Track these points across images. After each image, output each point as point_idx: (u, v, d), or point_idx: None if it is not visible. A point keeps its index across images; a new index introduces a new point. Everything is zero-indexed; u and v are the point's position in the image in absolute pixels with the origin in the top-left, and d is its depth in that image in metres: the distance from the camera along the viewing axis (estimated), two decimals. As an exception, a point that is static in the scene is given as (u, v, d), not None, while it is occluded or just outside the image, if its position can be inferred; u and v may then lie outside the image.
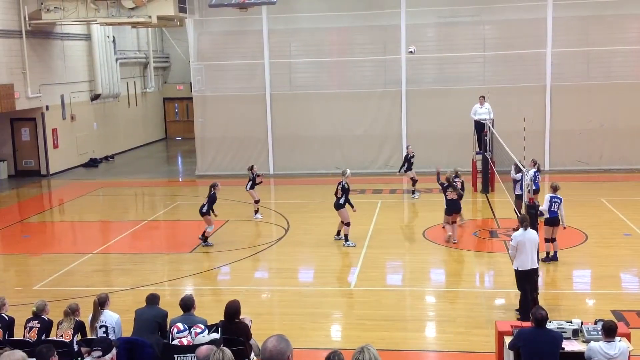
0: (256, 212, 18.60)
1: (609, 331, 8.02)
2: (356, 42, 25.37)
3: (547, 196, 13.69)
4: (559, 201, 13.57)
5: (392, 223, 17.92)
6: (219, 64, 25.43)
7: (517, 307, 11.22)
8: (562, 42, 23.70)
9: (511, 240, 11.02)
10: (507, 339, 8.60)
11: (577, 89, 23.67)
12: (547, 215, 13.64)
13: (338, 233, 16.06)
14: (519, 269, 10.94)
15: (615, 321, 8.66)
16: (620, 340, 8.06)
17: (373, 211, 18.82)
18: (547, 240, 13.71)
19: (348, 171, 16.17)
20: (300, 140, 25.17)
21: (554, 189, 13.79)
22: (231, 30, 25.33)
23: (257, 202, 18.61)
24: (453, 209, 15.60)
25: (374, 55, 25.03)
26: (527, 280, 10.98)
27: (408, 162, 20.34)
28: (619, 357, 7.81)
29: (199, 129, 25.99)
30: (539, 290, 11.37)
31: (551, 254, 13.86)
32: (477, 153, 21.40)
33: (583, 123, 23.55)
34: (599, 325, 8.36)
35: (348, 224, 15.79)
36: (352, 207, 15.72)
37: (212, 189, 15.98)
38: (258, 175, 18.47)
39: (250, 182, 18.35)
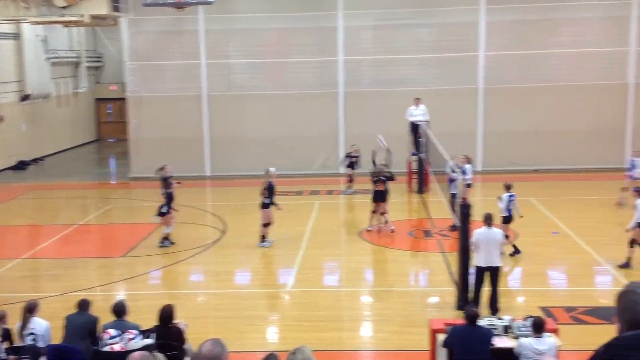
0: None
1: (538, 327, 8.26)
2: (294, 44, 25.37)
3: (507, 195, 14.10)
4: (513, 199, 14.16)
5: (329, 224, 17.98)
6: (155, 64, 25.02)
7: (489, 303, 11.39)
8: (495, 45, 24.26)
9: (472, 236, 11.21)
10: (441, 337, 8.75)
11: (509, 91, 24.27)
12: (507, 214, 14.11)
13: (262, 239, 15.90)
14: (478, 265, 11.15)
15: (544, 317, 8.92)
16: (549, 336, 8.31)
17: (310, 212, 18.86)
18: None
19: (272, 170, 15.95)
20: (238, 141, 24.99)
21: (508, 187, 14.25)
22: (167, 29, 24.96)
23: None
24: (379, 198, 16.20)
25: (312, 56, 25.09)
26: (481, 277, 11.17)
27: (349, 158, 20.67)
28: (547, 352, 8.04)
29: (133, 130, 25.51)
30: (469, 288, 11.58)
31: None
32: (412, 154, 21.70)
33: (515, 125, 24.16)
34: (529, 322, 8.60)
35: (266, 225, 15.67)
36: (276, 206, 15.62)
37: (169, 187, 15.79)
38: (168, 178, 16.07)
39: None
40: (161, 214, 15.73)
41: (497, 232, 11.18)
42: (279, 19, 24.81)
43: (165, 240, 15.91)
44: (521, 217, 14.59)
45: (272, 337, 11.28)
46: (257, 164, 24.54)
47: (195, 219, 18.54)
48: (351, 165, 20.86)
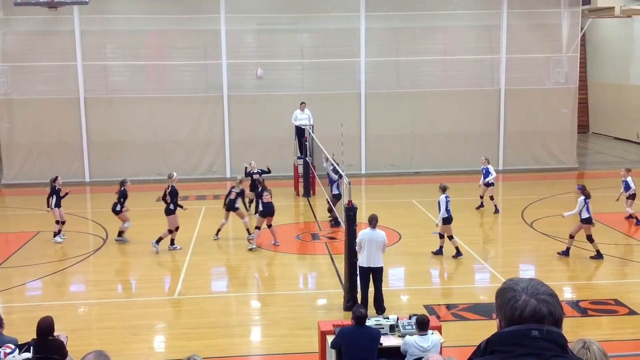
0: (57, 233, 16.46)
1: (422, 325, 8.54)
2: (175, 46, 24.91)
3: (444, 197, 14.42)
4: (449, 200, 14.54)
5: (216, 229, 17.76)
6: (27, 66, 23.78)
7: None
8: (375, 51, 24.92)
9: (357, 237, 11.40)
10: (330, 338, 8.86)
11: (389, 96, 24.99)
12: (447, 215, 14.43)
13: (172, 242, 15.72)
14: (359, 265, 11.34)
15: (428, 315, 9.24)
16: (432, 333, 8.61)
17: (197, 217, 18.56)
18: (451, 237, 14.58)
19: (175, 174, 16.10)
20: (119, 146, 24.22)
21: (444, 189, 14.60)
22: (40, 30, 23.78)
23: (63, 223, 16.56)
24: (267, 212, 15.66)
25: (195, 59, 24.74)
26: (365, 277, 11.38)
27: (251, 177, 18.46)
28: (431, 349, 8.32)
29: (4, 134, 24.14)
30: (356, 289, 11.82)
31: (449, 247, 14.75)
32: (298, 158, 21.88)
33: (395, 129, 24.90)
34: (413, 320, 8.87)
35: (170, 231, 15.47)
36: (182, 207, 15.70)
37: (122, 186, 16.12)
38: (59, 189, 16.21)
39: (55, 197, 16.24)
40: (116, 212, 16.05)
41: (380, 233, 11.45)
42: (159, 21, 24.28)
43: (121, 234, 16.22)
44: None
45: (159, 346, 11.01)
46: (140, 169, 23.97)
47: (75, 226, 17.77)
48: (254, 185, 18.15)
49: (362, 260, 11.36)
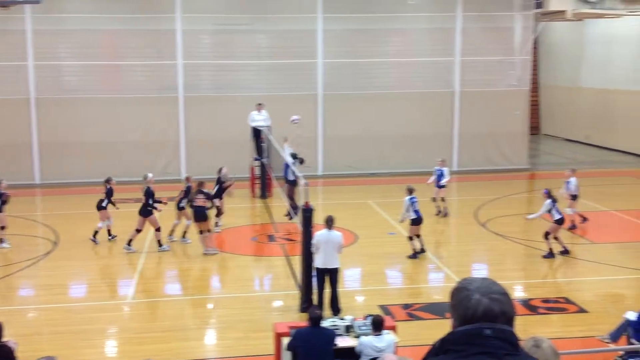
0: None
1: (377, 325, 8.58)
2: (130, 46, 24.52)
3: (407, 198, 14.48)
4: (416, 200, 14.55)
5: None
6: (-24, 65, 23.18)
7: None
8: (332, 53, 24.97)
9: (313, 238, 11.39)
10: (286, 340, 8.83)
11: (346, 97, 25.06)
12: (414, 216, 14.48)
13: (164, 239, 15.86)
14: (319, 267, 11.32)
15: (383, 315, 9.29)
16: (387, 333, 8.65)
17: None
18: (411, 238, 14.64)
19: (150, 175, 16.22)
20: (71, 147, 23.74)
21: (410, 190, 14.65)
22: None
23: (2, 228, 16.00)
24: (199, 217, 15.19)
25: (150, 60, 24.41)
26: (324, 278, 11.38)
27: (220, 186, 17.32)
28: (386, 349, 8.37)
29: (-48, 135, 23.46)
30: (312, 290, 11.81)
31: (419, 248, 14.75)
32: (255, 159, 21.78)
33: (353, 130, 24.99)
34: (368, 320, 8.90)
35: (159, 229, 15.49)
36: (161, 202, 15.80)
37: (108, 184, 16.20)
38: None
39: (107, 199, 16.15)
40: (100, 208, 16.06)
41: (336, 234, 11.48)
42: (113, 20, 23.88)
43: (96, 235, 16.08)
44: (401, 221, 15.04)
45: (111, 351, 10.83)
46: (93, 170, 23.54)
47: (24, 230, 17.37)
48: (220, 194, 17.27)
49: (319, 262, 11.36)
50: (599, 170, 25.48)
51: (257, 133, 21.70)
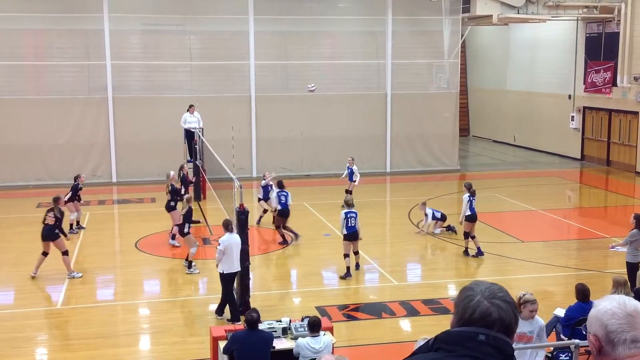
0: None
1: (314, 326, 8.61)
2: (56, 46, 23.82)
3: (342, 213, 13.78)
4: (354, 215, 13.68)
5: (101, 235, 17.18)
6: None
7: (217, 310, 11.55)
8: (264, 54, 24.90)
9: (219, 244, 11.31)
10: (222, 344, 8.75)
11: (278, 99, 25.05)
12: (345, 232, 13.66)
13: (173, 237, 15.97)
14: (225, 272, 11.24)
15: (320, 317, 9.32)
16: (324, 334, 8.69)
17: (81, 224, 17.82)
18: (346, 255, 13.70)
19: (172, 173, 16.47)
20: (-4, 149, 22.91)
21: (348, 204, 13.96)
22: None
23: None
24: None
25: (76, 60, 23.76)
26: (232, 283, 11.34)
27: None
28: (323, 350, 8.40)
29: None
30: (249, 293, 11.76)
31: (353, 266, 13.93)
32: (188, 161, 21.49)
33: (285, 132, 24.99)
34: (305, 322, 8.92)
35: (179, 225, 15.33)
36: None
37: (76, 180, 17.10)
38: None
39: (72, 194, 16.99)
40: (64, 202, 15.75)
41: (237, 237, 11.44)
42: (38, 20, 23.16)
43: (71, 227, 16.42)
44: (361, 239, 14.38)
45: (42, 358, 10.49)
46: (17, 173, 22.79)
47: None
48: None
49: (229, 267, 11.24)
50: (526, 170, 26.29)
51: (189, 135, 21.45)
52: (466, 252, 15.17)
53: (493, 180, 24.00)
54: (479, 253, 15.01)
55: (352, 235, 13.73)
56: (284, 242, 16.09)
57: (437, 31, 26.00)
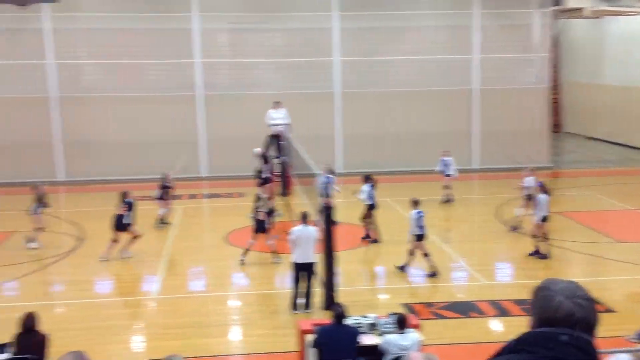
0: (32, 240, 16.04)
1: (401, 323, 8.60)
2: (149, 45, 24.68)
3: (413, 212, 13.63)
4: (423, 215, 13.65)
5: (192, 229, 17.71)
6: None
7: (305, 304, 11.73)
8: (348, 51, 24.96)
9: (290, 234, 11.51)
10: (309, 337, 8.88)
11: (363, 95, 25.05)
12: (418, 232, 13.58)
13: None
14: (294, 262, 11.44)
15: (407, 314, 9.30)
16: (412, 332, 8.67)
17: (173, 217, 18.43)
18: (425, 255, 13.62)
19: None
20: (93, 145, 23.98)
21: (415, 203, 13.80)
22: (7, 27, 23.41)
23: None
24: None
25: (168, 58, 24.56)
26: (300, 273, 11.52)
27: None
28: (411, 347, 8.39)
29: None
30: (335, 288, 11.86)
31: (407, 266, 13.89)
32: (274, 158, 21.82)
33: (370, 128, 24.98)
34: (392, 319, 8.92)
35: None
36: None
37: (164, 178, 17.63)
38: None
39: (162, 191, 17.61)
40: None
41: (312, 229, 11.59)
42: (132, 19, 24.06)
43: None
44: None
45: (138, 346, 10.95)
46: (115, 168, 23.79)
47: (49, 226, 17.57)
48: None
49: (298, 257, 11.50)
50: (622, 168, 25.29)
51: (275, 131, 21.74)
52: (535, 253, 14.76)
53: (587, 178, 23.25)
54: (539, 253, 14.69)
55: (422, 235, 13.59)
56: (368, 237, 16.07)
57: (526, 25, 25.36)
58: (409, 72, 25.52)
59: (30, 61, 23.67)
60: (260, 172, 18.91)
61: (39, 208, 15.93)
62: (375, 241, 16.04)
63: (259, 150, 18.10)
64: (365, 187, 15.99)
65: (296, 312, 11.46)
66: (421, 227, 13.57)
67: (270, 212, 15.04)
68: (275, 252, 14.64)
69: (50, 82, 23.81)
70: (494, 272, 14.64)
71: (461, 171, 23.64)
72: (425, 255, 13.63)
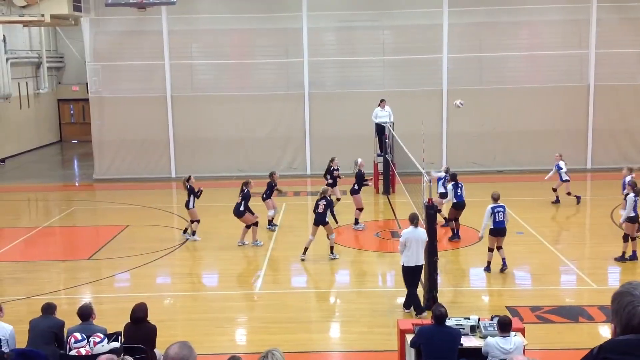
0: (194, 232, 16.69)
1: (504, 326, 8.36)
2: (258, 45, 25.30)
3: (488, 207, 13.47)
4: (502, 210, 13.42)
5: (296, 225, 17.96)
6: (117, 65, 24.69)
7: (404, 303, 11.58)
8: (457, 47, 24.52)
9: (401, 236, 11.40)
10: (409, 337, 8.80)
11: (472, 93, 24.50)
12: (492, 226, 13.43)
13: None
14: (405, 265, 11.30)
15: (510, 317, 9.03)
16: (515, 335, 8.41)
17: (278, 213, 18.77)
18: (490, 249, 13.58)
19: (360, 160, 17.95)
20: (203, 142, 24.82)
21: (495, 199, 13.62)
22: (129, 30, 24.66)
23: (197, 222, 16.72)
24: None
25: (276, 58, 25.04)
26: (412, 276, 11.36)
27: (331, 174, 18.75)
28: (514, 351, 8.14)
29: (96, 131, 25.16)
30: (438, 288, 11.70)
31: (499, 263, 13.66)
32: (378, 155, 21.81)
33: (477, 126, 24.45)
34: (495, 321, 8.69)
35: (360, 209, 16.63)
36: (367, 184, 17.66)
37: (271, 177, 17.06)
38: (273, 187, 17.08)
39: (268, 191, 17.17)
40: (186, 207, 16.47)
41: (422, 231, 11.36)
42: (242, 20, 24.71)
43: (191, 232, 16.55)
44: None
45: (240, 339, 11.23)
46: (222, 165, 24.52)
47: (161, 221, 18.35)
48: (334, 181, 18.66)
49: (408, 260, 11.30)
50: None
51: (380, 129, 21.72)
52: (621, 258, 14.04)
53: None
54: (633, 257, 13.99)
55: (498, 230, 13.38)
56: (456, 237, 15.73)
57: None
58: (521, 69, 24.76)
59: (151, 62, 24.73)
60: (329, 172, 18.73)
61: (193, 201, 16.25)
62: (456, 236, 15.79)
63: (360, 161, 18.02)
64: (450, 186, 15.76)
65: (422, 315, 11.22)
66: (499, 222, 13.36)
67: (330, 205, 14.76)
68: (332, 248, 14.74)
69: (167, 82, 24.80)
70: (606, 276, 13.97)
71: (575, 170, 22.75)
72: (500, 248, 13.54)
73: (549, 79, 24.40)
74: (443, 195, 16.33)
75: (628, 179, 16.13)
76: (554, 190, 19.07)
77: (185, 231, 16.70)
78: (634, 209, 13.89)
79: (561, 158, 19.08)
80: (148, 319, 8.64)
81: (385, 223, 18.29)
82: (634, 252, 14.08)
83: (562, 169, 18.78)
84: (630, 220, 13.95)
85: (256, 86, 24.96)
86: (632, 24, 24.11)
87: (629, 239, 14.07)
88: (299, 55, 24.61)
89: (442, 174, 16.82)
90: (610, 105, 24.23)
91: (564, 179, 18.85)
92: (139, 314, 8.49)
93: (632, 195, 13.98)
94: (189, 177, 16.56)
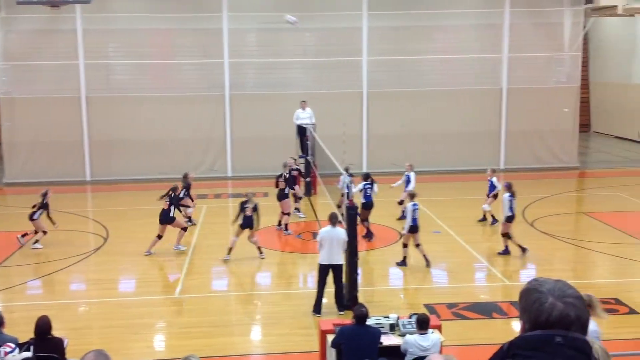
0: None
1: (422, 324, 8.52)
2: (178, 45, 24.90)
3: (505, 196, 14.40)
4: (417, 207, 13.97)
5: (217, 228, 17.78)
6: (29, 64, 23.77)
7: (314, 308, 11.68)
8: (377, 50, 24.86)
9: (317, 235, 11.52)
10: (330, 337, 8.84)
11: (391, 95, 24.94)
12: (509, 213, 14.38)
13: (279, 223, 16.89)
14: (319, 263, 11.41)
15: (428, 314, 9.22)
16: (432, 332, 8.59)
17: (198, 216, 18.54)
18: (405, 245, 14.19)
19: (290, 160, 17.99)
20: (121, 144, 24.21)
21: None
22: (42, 28, 23.76)
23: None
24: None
25: (197, 58, 24.72)
26: (326, 275, 11.49)
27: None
28: (431, 348, 8.30)
29: (6, 133, 24.15)
30: (358, 288, 11.81)
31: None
32: (299, 157, 21.85)
33: (397, 128, 24.84)
34: (414, 319, 8.85)
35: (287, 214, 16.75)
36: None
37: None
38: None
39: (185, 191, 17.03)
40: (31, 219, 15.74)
41: (340, 231, 11.51)
42: (162, 20, 24.26)
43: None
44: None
45: (159, 345, 11.01)
46: (141, 167, 23.98)
47: (75, 225, 17.79)
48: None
49: (323, 258, 11.45)
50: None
51: (301, 131, 21.78)
52: (505, 252, 14.75)
53: (615, 179, 22.86)
54: (506, 251, 14.67)
55: (415, 227, 13.90)
56: (368, 236, 15.94)
57: (557, 23, 25.04)
58: (438, 72, 25.31)
59: (64, 62, 23.92)
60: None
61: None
62: (369, 236, 16.03)
63: (291, 161, 18.30)
64: (360, 186, 16.03)
65: (319, 315, 11.37)
66: (414, 219, 13.85)
67: (255, 209, 14.71)
68: (259, 248, 14.82)
69: (81, 82, 24.06)
70: (518, 273, 14.45)
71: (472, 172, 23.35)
72: (418, 245, 14.00)
73: (464, 82, 25.07)
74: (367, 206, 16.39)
75: (494, 179, 17.03)
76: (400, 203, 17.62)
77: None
78: (510, 208, 14.45)
79: (412, 169, 17.81)
80: (58, 330, 8.30)
81: (306, 224, 18.33)
82: (507, 247, 14.73)
83: (410, 182, 17.37)
84: (508, 219, 14.57)
85: (177, 87, 24.55)
86: (544, 29, 25.07)
87: (508, 237, 14.69)
88: (220, 56, 24.37)
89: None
90: (522, 107, 25.11)
91: (407, 189, 16.94)
92: (44, 328, 8.13)
93: (507, 195, 14.60)
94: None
